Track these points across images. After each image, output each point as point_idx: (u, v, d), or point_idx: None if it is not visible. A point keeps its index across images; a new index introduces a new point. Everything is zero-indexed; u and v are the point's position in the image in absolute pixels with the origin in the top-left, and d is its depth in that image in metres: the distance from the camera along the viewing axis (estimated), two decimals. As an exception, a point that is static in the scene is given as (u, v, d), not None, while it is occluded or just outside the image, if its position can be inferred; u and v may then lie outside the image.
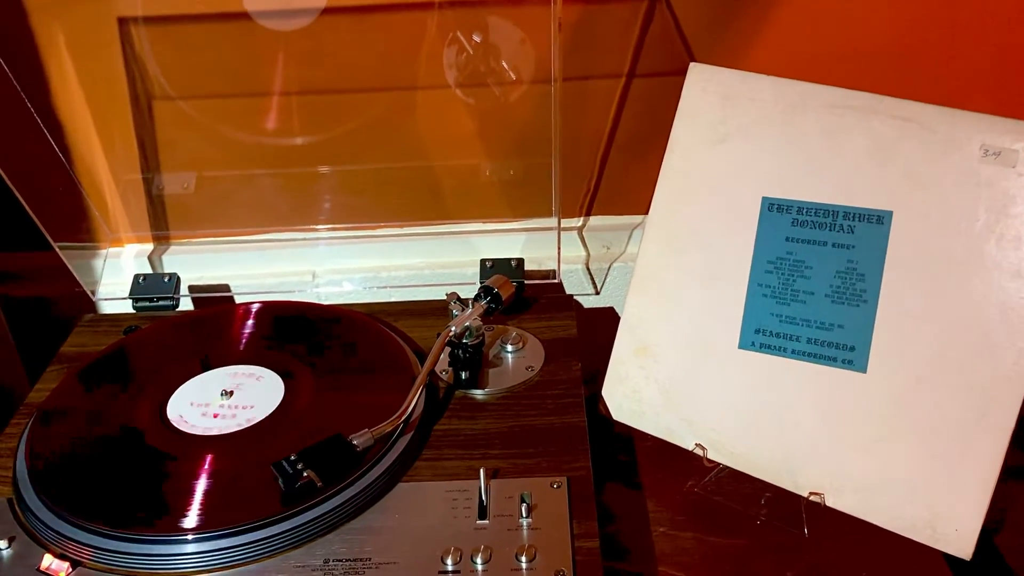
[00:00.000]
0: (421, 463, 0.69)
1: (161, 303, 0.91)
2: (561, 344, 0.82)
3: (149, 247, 0.97)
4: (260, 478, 0.65)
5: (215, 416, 0.72)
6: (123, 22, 0.85)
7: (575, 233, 0.98)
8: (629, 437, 0.81)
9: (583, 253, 0.98)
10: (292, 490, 0.63)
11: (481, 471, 0.65)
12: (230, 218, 0.96)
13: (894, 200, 0.67)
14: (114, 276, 0.96)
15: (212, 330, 0.84)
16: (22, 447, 0.71)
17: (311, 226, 0.96)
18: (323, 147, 0.92)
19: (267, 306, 0.87)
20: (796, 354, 0.70)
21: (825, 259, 0.70)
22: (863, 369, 0.68)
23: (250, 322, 0.84)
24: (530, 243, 0.95)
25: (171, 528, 0.62)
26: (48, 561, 0.61)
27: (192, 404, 0.74)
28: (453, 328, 0.76)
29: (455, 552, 0.61)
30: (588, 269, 0.97)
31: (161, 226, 0.96)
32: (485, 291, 0.80)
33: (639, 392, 0.77)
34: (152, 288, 0.91)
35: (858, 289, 0.68)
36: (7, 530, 0.64)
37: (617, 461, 0.80)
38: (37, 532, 0.64)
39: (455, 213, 0.95)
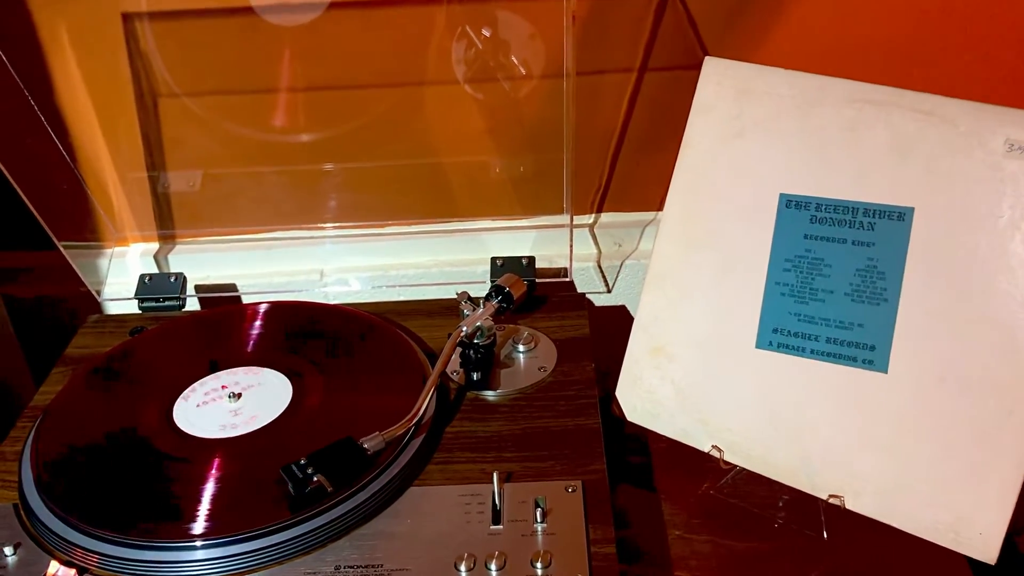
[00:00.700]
0: (433, 467, 0.68)
1: (167, 303, 0.90)
2: (574, 344, 0.81)
3: (155, 246, 0.96)
4: (269, 482, 0.64)
5: (223, 419, 0.71)
6: (127, 18, 0.85)
7: (586, 230, 0.97)
8: (643, 439, 0.80)
9: (594, 251, 0.96)
10: (302, 495, 0.62)
11: (494, 475, 0.64)
12: (236, 216, 0.95)
13: (915, 196, 0.66)
14: (119, 276, 0.95)
15: (219, 331, 0.83)
16: (27, 451, 0.70)
17: (318, 224, 0.96)
18: (330, 144, 0.91)
19: (275, 306, 0.86)
20: (815, 354, 0.69)
21: (844, 257, 0.68)
22: (884, 369, 0.66)
23: (258, 323, 0.83)
24: (541, 241, 0.94)
25: (179, 534, 0.61)
26: (54, 568, 0.60)
27: (199, 407, 0.73)
28: (464, 328, 0.75)
29: (469, 558, 0.59)
30: (599, 267, 0.96)
31: (167, 225, 0.96)
32: (496, 290, 0.79)
33: (654, 393, 0.75)
34: (158, 288, 0.91)
35: (879, 287, 0.67)
36: (12, 536, 0.63)
37: (631, 463, 0.78)
38: (43, 538, 0.63)
39: (465, 211, 0.94)
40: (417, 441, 0.68)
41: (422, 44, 0.86)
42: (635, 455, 0.79)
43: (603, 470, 0.67)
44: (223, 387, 0.74)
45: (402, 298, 0.94)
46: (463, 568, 0.59)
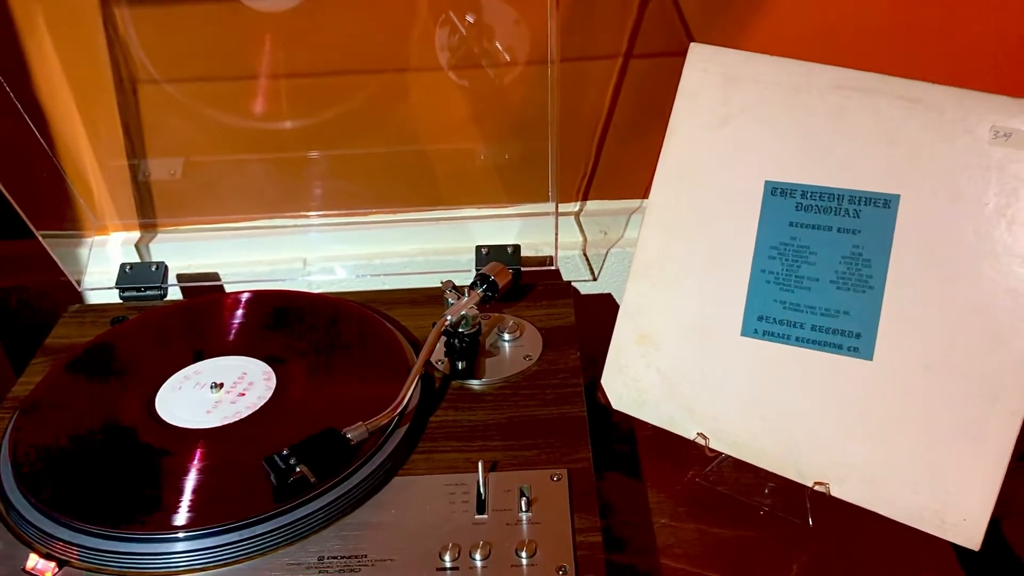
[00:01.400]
0: (417, 456, 0.68)
1: (148, 293, 0.89)
2: (559, 332, 0.80)
3: (136, 235, 0.95)
4: (251, 473, 0.63)
5: (205, 410, 0.70)
6: (105, 3, 0.83)
7: (572, 218, 0.96)
8: (629, 426, 0.79)
9: (579, 239, 0.96)
10: (284, 486, 0.62)
11: (479, 464, 0.64)
12: (219, 205, 0.94)
13: (901, 184, 0.66)
14: (100, 265, 0.94)
15: (201, 321, 0.82)
16: (5, 443, 0.69)
17: (302, 212, 0.95)
18: (313, 131, 0.90)
19: (257, 295, 0.85)
20: (800, 341, 0.69)
21: (830, 244, 0.68)
22: (869, 356, 0.66)
23: (240, 312, 0.83)
24: (526, 229, 0.94)
25: (161, 526, 0.60)
26: (34, 561, 0.59)
27: (181, 397, 0.72)
28: (449, 317, 0.74)
29: (453, 548, 0.59)
30: (585, 255, 0.96)
31: (148, 213, 0.95)
32: (481, 279, 0.79)
33: (639, 381, 0.75)
34: (139, 277, 0.90)
35: (864, 275, 0.67)
36: (-9, 529, 0.62)
37: (616, 451, 0.78)
38: (22, 531, 0.62)
39: (449, 199, 0.94)
40: (401, 431, 0.68)
41: (405, 30, 0.85)
42: (621, 443, 0.79)
43: (589, 458, 0.67)
44: (205, 377, 0.74)
45: (386, 287, 0.94)
46: (448, 558, 0.59)
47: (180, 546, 0.59)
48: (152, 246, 0.95)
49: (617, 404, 0.77)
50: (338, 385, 0.73)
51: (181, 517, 0.61)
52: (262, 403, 0.71)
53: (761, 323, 0.70)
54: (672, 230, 0.74)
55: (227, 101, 0.89)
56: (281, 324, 0.80)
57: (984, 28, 0.83)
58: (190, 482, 0.64)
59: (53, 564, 0.59)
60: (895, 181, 0.66)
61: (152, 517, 0.61)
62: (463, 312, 0.75)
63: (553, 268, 0.91)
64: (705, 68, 0.72)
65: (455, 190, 0.94)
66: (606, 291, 0.97)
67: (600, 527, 0.61)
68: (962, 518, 0.64)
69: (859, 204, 0.67)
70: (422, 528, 0.61)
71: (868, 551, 0.67)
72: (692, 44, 0.73)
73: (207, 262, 0.95)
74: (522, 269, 0.87)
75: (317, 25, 0.84)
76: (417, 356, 0.73)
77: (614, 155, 0.93)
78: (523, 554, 0.59)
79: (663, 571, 0.67)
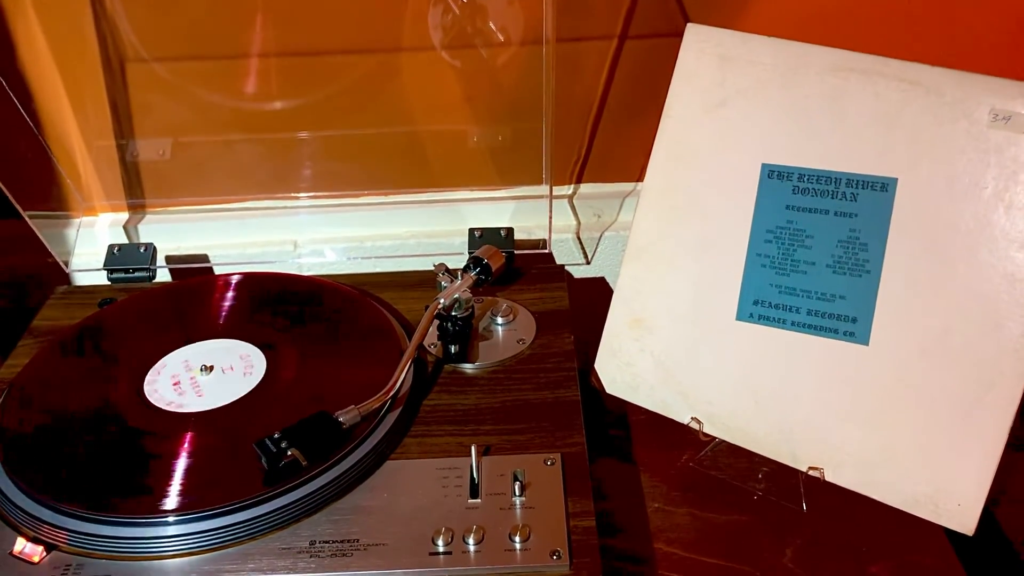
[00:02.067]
0: (410, 440, 0.67)
1: (137, 274, 0.88)
2: (553, 316, 0.80)
3: (124, 216, 0.94)
4: (242, 457, 0.62)
5: (195, 393, 0.69)
6: (92, -21, 0.82)
7: (565, 201, 0.95)
8: (622, 411, 0.79)
9: (573, 222, 0.95)
10: (276, 469, 0.61)
11: (472, 448, 0.63)
12: (208, 186, 0.93)
13: (899, 167, 0.65)
14: (88, 246, 0.93)
15: (191, 303, 0.81)
16: (-8, 426, 0.68)
17: (292, 194, 0.94)
18: (304, 111, 0.89)
19: (247, 277, 0.84)
20: (796, 326, 0.68)
21: (827, 228, 0.67)
22: (865, 341, 0.66)
23: (230, 294, 0.82)
24: (520, 211, 0.93)
25: (150, 510, 0.60)
26: (21, 545, 0.59)
27: (170, 380, 0.71)
28: (442, 300, 0.74)
29: (446, 532, 0.59)
30: (579, 238, 0.95)
31: (136, 194, 0.94)
32: (474, 262, 0.78)
33: (633, 365, 0.75)
34: (127, 259, 0.89)
35: (861, 259, 0.66)
36: (-23, 513, 0.62)
37: (610, 436, 0.78)
38: (9, 514, 0.61)
39: (442, 181, 0.93)
40: (394, 415, 0.67)
41: (398, 9, 0.84)
42: (614, 428, 0.79)
43: (582, 443, 0.66)
44: (195, 360, 0.73)
45: (378, 269, 0.93)
46: (440, 542, 0.58)
47: (170, 530, 0.59)
48: (140, 227, 0.94)
49: (611, 388, 0.76)
50: (330, 368, 0.72)
51: (171, 501, 0.60)
52: (253, 386, 0.70)
53: (756, 307, 0.70)
54: (667, 213, 0.73)
55: (217, 80, 0.87)
56: (272, 307, 0.79)
57: (984, 10, 0.83)
58: (180, 466, 0.63)
59: (41, 548, 0.58)
60: (893, 164, 0.65)
61: (141, 501, 0.60)
62: (456, 295, 0.74)
63: (546, 251, 0.90)
64: (702, 49, 0.71)
65: (448, 172, 0.93)
66: (600, 275, 0.97)
67: (594, 511, 0.61)
68: (956, 503, 0.63)
69: (856, 187, 0.66)
70: (415, 512, 0.61)
71: (862, 536, 0.67)
72: (689, 25, 0.72)
73: (196, 244, 0.94)
74: (515, 252, 0.87)
75: (308, 3, 0.83)
76: (409, 340, 0.72)
77: (609, 137, 0.92)
78: (516, 538, 0.58)
79: (656, 555, 0.67)
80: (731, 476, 0.73)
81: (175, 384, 0.70)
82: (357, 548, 0.58)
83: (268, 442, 0.61)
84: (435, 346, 0.76)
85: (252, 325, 0.77)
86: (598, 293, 0.97)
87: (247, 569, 0.57)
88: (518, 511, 0.61)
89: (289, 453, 0.61)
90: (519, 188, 0.93)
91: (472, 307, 0.76)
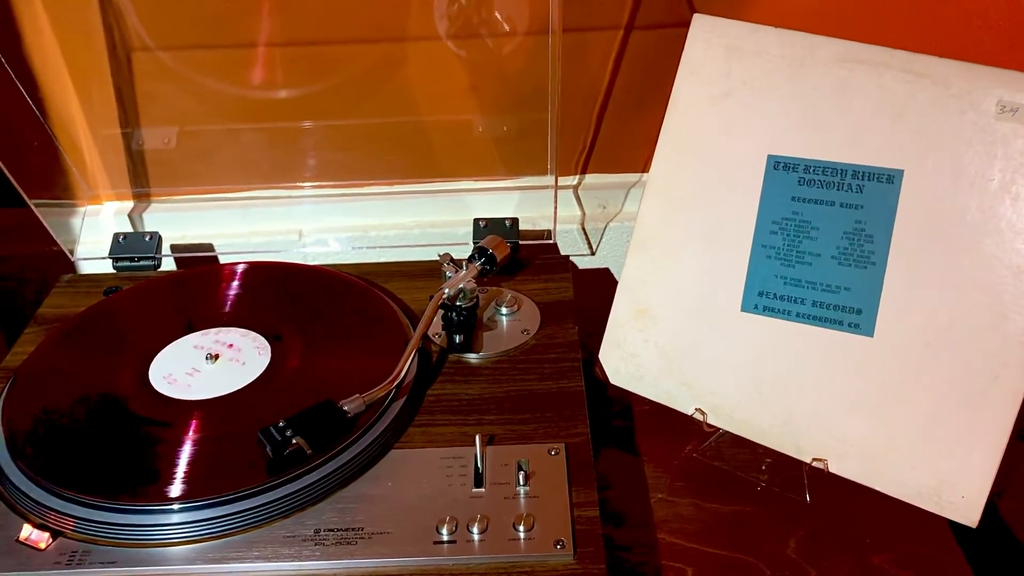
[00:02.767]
0: (414, 429, 0.67)
1: (142, 263, 0.88)
2: (557, 306, 0.80)
3: (129, 205, 0.94)
4: (247, 445, 0.63)
5: (200, 381, 0.70)
6: (98, -32, 0.82)
7: (570, 191, 0.95)
8: (626, 401, 0.79)
9: (578, 212, 0.95)
10: (281, 458, 0.61)
11: (476, 438, 0.63)
12: (213, 175, 0.93)
13: (905, 158, 0.65)
14: (93, 235, 0.93)
15: (196, 292, 0.82)
16: (-1, 413, 0.68)
17: (297, 183, 0.94)
18: (309, 101, 0.89)
19: (253, 266, 0.84)
20: (800, 317, 0.68)
21: (832, 219, 0.67)
22: (870, 333, 0.66)
23: (235, 283, 0.82)
24: (524, 202, 0.93)
25: (156, 497, 0.60)
26: (27, 532, 0.59)
27: (176, 368, 0.71)
28: (446, 290, 0.74)
29: (450, 521, 0.59)
30: (583, 229, 0.95)
31: (141, 183, 0.94)
32: (479, 252, 0.78)
33: (638, 356, 0.75)
34: (133, 247, 0.89)
35: (866, 251, 0.66)
36: (-16, 500, 0.62)
37: (614, 426, 0.78)
38: (16, 501, 0.62)
39: (447, 171, 0.93)
40: (398, 404, 0.67)
41: (404, -2, 0.84)
42: (618, 418, 0.79)
43: (586, 433, 0.66)
44: (200, 348, 0.73)
45: (383, 259, 0.93)
46: (445, 531, 0.58)
47: (175, 518, 0.59)
48: (146, 216, 0.94)
49: (615, 379, 0.77)
50: (335, 357, 0.72)
51: (176, 489, 0.60)
52: (257, 375, 0.70)
53: (761, 298, 0.70)
54: (672, 204, 0.73)
55: (222, 69, 0.87)
56: (277, 296, 0.80)
57: (991, 1, 0.82)
58: (185, 454, 0.63)
59: (47, 535, 0.59)
60: (899, 156, 0.65)
61: (147, 488, 0.60)
62: (461, 285, 0.74)
63: (551, 242, 0.90)
64: (708, 40, 0.71)
65: (453, 162, 0.93)
66: (604, 265, 0.97)
67: (597, 501, 0.61)
68: (960, 495, 0.64)
69: (862, 179, 0.66)
70: (419, 501, 0.61)
71: (865, 528, 0.67)
72: (695, 15, 0.72)
73: (201, 233, 0.94)
74: (520, 243, 0.87)
75: (314, -8, 0.83)
76: (414, 329, 0.72)
77: (614, 128, 0.92)
78: (520, 528, 0.58)
79: (660, 546, 0.67)
80: (735, 467, 0.73)
81: (180, 372, 0.71)
82: (361, 536, 0.59)
83: (273, 430, 0.61)
84: (439, 336, 0.76)
85: (257, 314, 0.77)
86: (603, 284, 0.97)
87: (252, 557, 0.58)
88: (522, 501, 0.61)
89: (294, 441, 0.61)
90: (524, 178, 0.93)
91: (477, 297, 0.76)
